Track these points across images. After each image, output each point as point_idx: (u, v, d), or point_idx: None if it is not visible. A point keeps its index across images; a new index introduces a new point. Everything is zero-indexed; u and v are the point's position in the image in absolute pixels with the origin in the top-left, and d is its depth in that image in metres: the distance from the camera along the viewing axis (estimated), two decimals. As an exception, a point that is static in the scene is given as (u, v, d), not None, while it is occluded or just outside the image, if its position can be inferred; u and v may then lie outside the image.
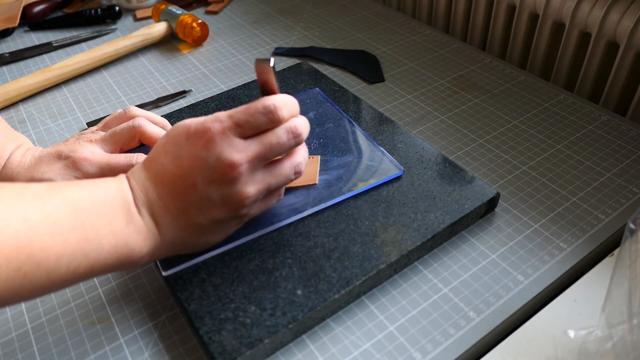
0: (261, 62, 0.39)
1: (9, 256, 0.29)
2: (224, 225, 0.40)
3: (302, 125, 0.40)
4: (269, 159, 0.39)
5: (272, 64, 0.39)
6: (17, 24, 0.82)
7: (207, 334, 0.38)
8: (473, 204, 0.46)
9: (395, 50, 0.75)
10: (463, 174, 0.50)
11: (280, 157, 0.41)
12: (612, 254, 0.45)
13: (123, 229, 0.35)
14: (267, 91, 0.40)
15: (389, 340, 0.39)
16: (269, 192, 0.41)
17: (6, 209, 0.31)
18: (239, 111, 0.38)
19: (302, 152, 0.42)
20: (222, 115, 0.38)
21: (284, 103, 0.39)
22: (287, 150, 0.39)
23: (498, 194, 0.48)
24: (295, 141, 0.39)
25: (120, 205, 0.36)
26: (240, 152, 0.37)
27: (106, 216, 0.34)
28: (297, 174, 0.41)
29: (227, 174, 0.36)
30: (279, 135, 0.38)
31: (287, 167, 0.40)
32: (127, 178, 0.38)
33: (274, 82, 0.40)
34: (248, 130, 0.37)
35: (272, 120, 0.38)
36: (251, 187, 0.38)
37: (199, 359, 0.39)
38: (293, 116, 0.40)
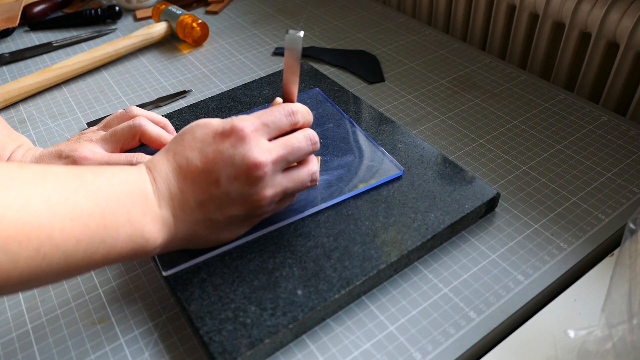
0: (292, 36, 0.41)
1: (29, 235, 0.30)
2: (237, 224, 0.41)
3: (316, 134, 0.43)
4: (290, 163, 0.40)
5: (301, 34, 0.41)
6: (17, 24, 0.82)
7: (208, 334, 0.38)
8: (473, 204, 0.46)
9: (395, 50, 0.75)
10: (463, 174, 0.50)
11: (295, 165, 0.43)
12: (612, 254, 0.45)
13: (140, 219, 0.35)
14: (290, 67, 0.42)
15: (389, 340, 0.39)
16: (285, 196, 0.42)
17: (28, 189, 0.31)
18: (264, 113, 0.40)
19: (315, 161, 0.44)
20: (248, 116, 0.40)
21: (299, 111, 0.42)
22: (306, 155, 0.42)
23: (498, 194, 0.48)
24: (313, 148, 0.42)
25: (138, 195, 0.36)
26: (265, 152, 0.38)
27: (124, 205, 0.35)
28: (313, 181, 0.43)
29: (252, 172, 0.38)
30: (300, 139, 0.41)
31: (303, 173, 0.42)
32: (148, 169, 0.39)
33: (299, 56, 0.41)
34: (273, 131, 0.40)
35: (292, 123, 0.41)
36: (270, 189, 0.39)
37: (199, 359, 0.39)
38: (307, 121, 0.43)
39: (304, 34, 0.80)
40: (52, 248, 0.31)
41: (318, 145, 0.42)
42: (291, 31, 0.40)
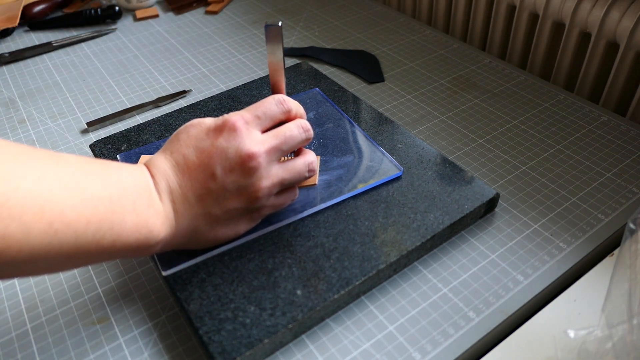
0: (271, 26, 0.42)
1: (43, 207, 0.30)
2: (236, 220, 0.41)
3: (308, 123, 0.43)
4: (284, 152, 0.41)
5: (280, 24, 0.42)
6: (17, 24, 0.82)
7: (207, 334, 0.38)
8: (473, 204, 0.46)
9: (395, 50, 0.75)
10: (463, 174, 0.50)
11: (291, 158, 0.43)
12: (612, 254, 0.45)
13: (145, 210, 0.36)
14: (274, 59, 0.43)
15: (389, 340, 0.39)
16: (283, 188, 0.43)
17: (42, 167, 0.31)
18: (254, 105, 0.42)
19: (312, 153, 0.44)
20: (239, 111, 0.41)
21: (289, 99, 0.43)
22: (300, 144, 0.42)
23: (498, 194, 0.48)
24: (306, 135, 0.43)
25: (142, 188, 0.37)
26: (258, 143, 0.39)
27: (131, 195, 0.36)
28: (311, 172, 0.44)
29: (246, 163, 0.39)
30: (292, 128, 0.42)
31: (299, 163, 0.43)
32: (147, 167, 0.40)
33: (281, 47, 0.42)
34: (265, 121, 0.41)
35: (283, 111, 0.42)
36: (266, 180, 0.40)
37: (199, 358, 0.39)
38: (299, 112, 0.43)
39: (305, 35, 0.80)
40: (64, 225, 0.31)
41: (311, 132, 0.43)
42: (269, 22, 0.41)
